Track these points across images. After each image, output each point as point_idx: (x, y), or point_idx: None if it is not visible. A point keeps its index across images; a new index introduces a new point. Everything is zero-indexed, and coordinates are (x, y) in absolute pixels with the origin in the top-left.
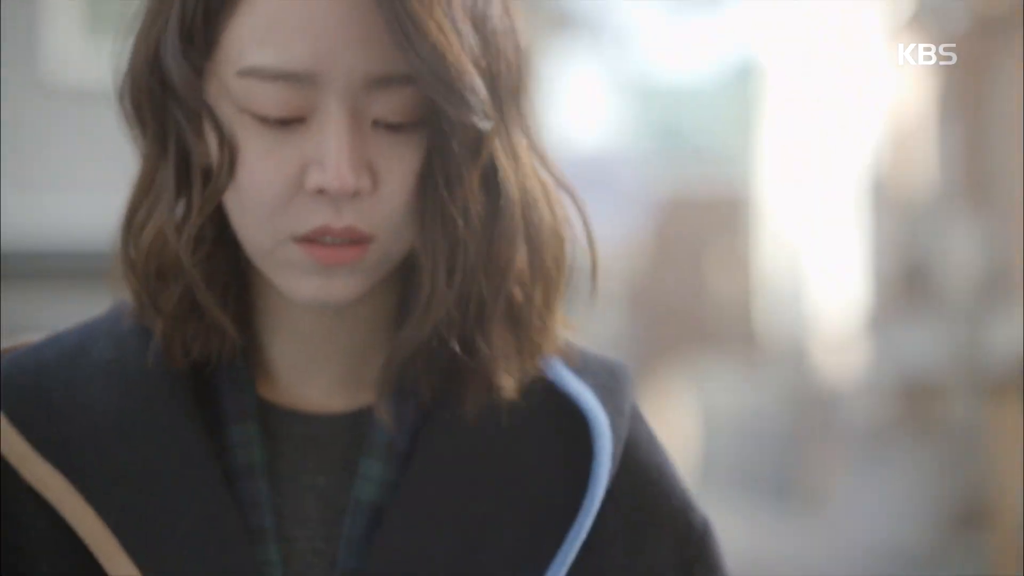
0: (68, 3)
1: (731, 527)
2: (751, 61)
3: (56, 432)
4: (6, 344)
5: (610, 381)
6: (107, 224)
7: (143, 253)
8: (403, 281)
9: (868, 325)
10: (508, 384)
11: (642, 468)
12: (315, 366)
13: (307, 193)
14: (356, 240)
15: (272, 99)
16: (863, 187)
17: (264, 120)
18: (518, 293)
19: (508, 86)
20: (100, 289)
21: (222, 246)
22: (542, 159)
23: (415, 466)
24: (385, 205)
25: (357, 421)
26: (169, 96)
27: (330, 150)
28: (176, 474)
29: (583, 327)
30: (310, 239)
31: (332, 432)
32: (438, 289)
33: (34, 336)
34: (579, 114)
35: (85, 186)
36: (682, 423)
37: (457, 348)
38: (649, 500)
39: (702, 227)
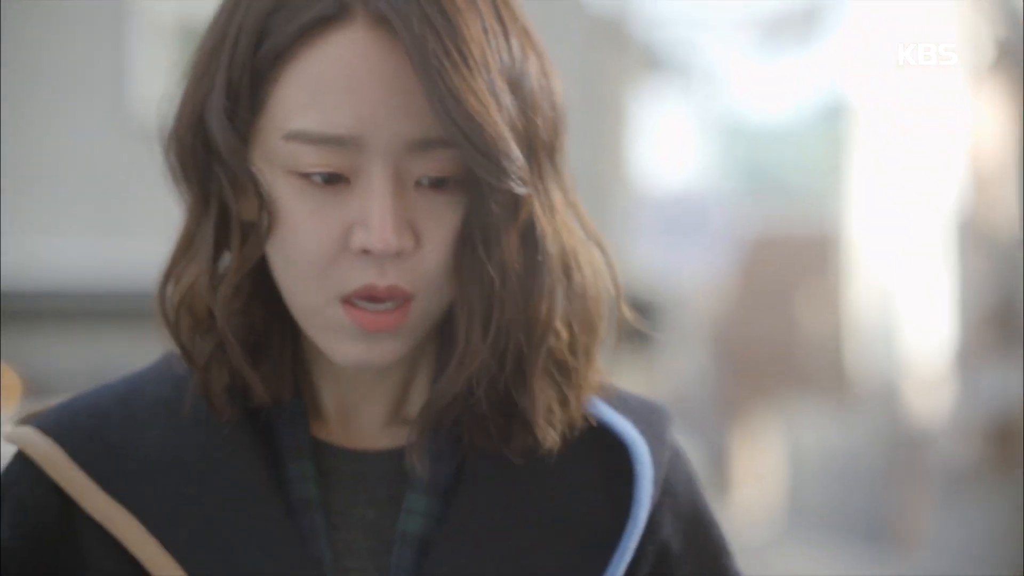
0: (156, 45)
1: (820, 568)
2: (839, 101)
3: (117, 468)
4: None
5: (648, 415)
6: None
7: (176, 306)
8: (443, 327)
9: (958, 365)
10: (551, 436)
11: (680, 502)
12: (361, 407)
13: (352, 253)
14: (399, 301)
15: (317, 162)
16: (951, 227)
17: (309, 182)
18: (559, 346)
19: (545, 144)
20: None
21: (258, 299)
22: (576, 213)
23: (460, 498)
24: (427, 263)
25: (403, 457)
26: (212, 157)
27: (374, 212)
28: (240, 507)
29: (669, 366)
30: (355, 302)
31: (379, 468)
32: (472, 344)
33: (58, 399)
34: (668, 154)
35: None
36: (770, 464)
37: (488, 400)
38: (687, 535)
39: (791, 266)
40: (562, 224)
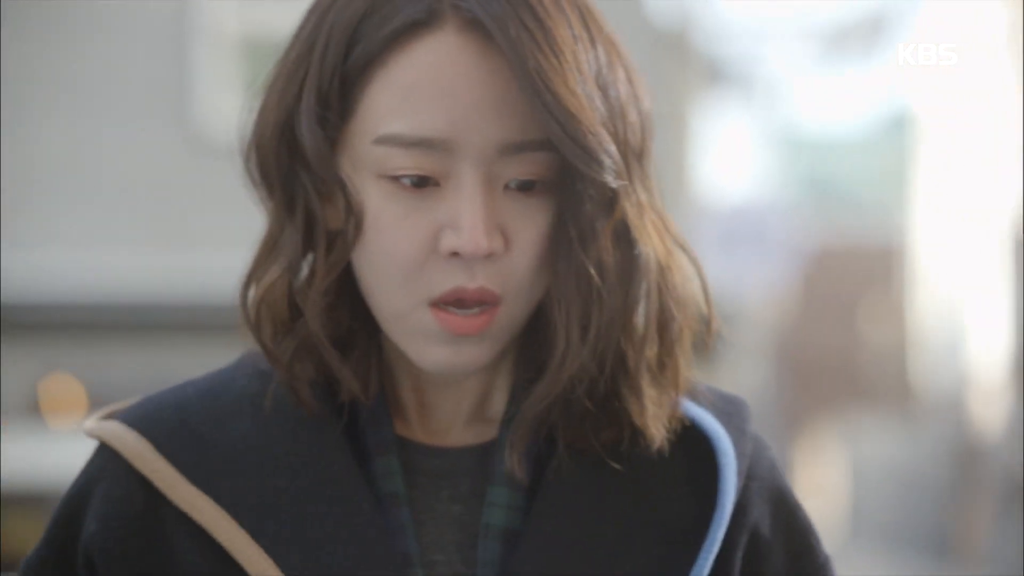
0: (220, 61)
1: None
2: (904, 112)
3: (204, 461)
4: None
5: (728, 407)
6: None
7: (258, 307)
8: (525, 329)
9: (1019, 377)
10: (660, 434)
11: (766, 486)
12: (442, 406)
13: (440, 257)
14: (486, 306)
15: (408, 164)
16: (1014, 238)
17: (399, 185)
18: (653, 346)
19: (633, 149)
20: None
21: (343, 301)
22: (662, 219)
23: (545, 492)
24: (516, 266)
25: (485, 452)
26: (299, 164)
27: (465, 214)
28: (329, 501)
29: (731, 378)
30: (443, 305)
31: (463, 464)
32: (573, 345)
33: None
34: (731, 166)
35: (237, 243)
36: (833, 476)
37: (588, 401)
38: (774, 517)
39: (854, 278)
40: (652, 225)
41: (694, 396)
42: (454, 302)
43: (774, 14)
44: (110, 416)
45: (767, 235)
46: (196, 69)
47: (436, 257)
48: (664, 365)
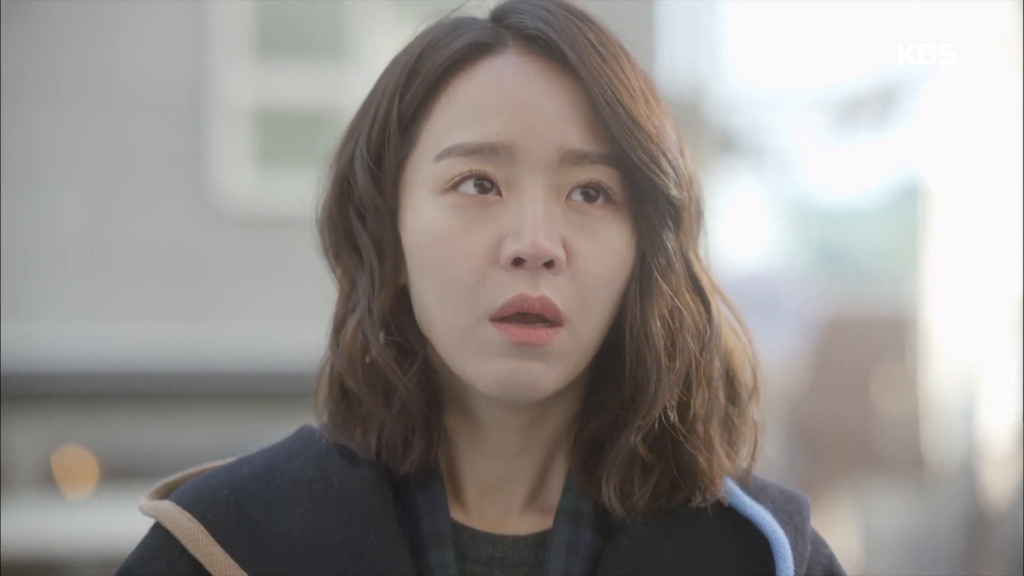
0: (235, 131)
1: None
2: (915, 182)
3: (259, 547)
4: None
5: (789, 504)
6: (282, 349)
7: (346, 359)
8: (578, 410)
9: None
10: (719, 483)
11: None
12: (500, 492)
13: (503, 268)
14: (550, 320)
15: (469, 168)
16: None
17: (461, 196)
18: (723, 396)
19: (696, 204)
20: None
21: (413, 365)
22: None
23: None
24: (580, 282)
25: (540, 543)
26: (358, 218)
27: (526, 218)
28: None
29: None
30: (506, 315)
31: (518, 553)
32: (663, 371)
33: (214, 463)
34: (743, 235)
35: (249, 312)
36: (845, 546)
37: (655, 451)
38: None
39: (866, 347)
40: (710, 284)
41: (753, 490)
42: (516, 315)
43: (786, 85)
44: (165, 490)
45: (779, 304)
46: (210, 139)
47: (498, 269)
48: (736, 418)
